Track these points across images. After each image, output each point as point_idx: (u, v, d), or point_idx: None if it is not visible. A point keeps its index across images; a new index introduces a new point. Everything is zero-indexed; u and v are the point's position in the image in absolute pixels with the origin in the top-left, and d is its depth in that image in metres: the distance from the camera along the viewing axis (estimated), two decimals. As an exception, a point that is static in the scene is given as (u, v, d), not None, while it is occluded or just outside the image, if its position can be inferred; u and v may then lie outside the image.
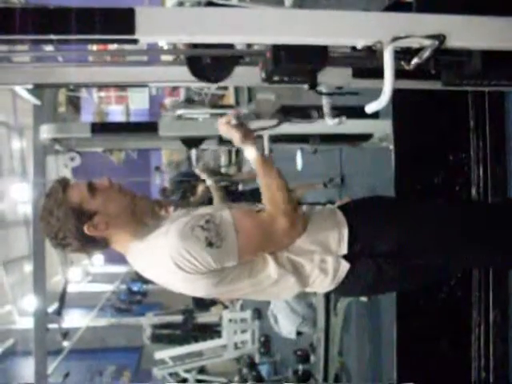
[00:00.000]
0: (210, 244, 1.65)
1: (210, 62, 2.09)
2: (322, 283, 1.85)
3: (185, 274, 1.68)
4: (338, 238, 1.82)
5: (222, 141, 4.28)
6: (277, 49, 1.86)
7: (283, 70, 1.94)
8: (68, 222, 1.72)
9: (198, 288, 1.77)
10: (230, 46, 2.11)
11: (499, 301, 2.85)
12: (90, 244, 1.79)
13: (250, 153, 1.87)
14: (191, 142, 4.44)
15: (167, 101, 15.04)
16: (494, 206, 2.66)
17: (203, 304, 12.14)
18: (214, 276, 1.71)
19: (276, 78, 2.01)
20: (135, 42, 1.56)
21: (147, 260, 1.78)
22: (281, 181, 1.82)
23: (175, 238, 1.66)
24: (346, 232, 1.83)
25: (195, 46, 2.06)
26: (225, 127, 1.93)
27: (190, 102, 12.56)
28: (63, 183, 1.78)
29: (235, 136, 1.90)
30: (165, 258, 1.67)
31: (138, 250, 1.78)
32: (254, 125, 2.00)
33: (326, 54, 1.90)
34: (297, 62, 1.87)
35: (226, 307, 11.12)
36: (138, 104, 21.45)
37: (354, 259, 1.83)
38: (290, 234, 1.78)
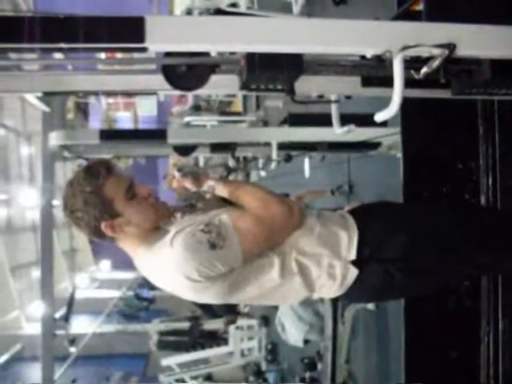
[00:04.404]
0: (213, 246, 1.64)
1: (185, 71, 2.07)
2: (329, 289, 1.84)
3: (194, 283, 1.67)
4: (348, 243, 1.81)
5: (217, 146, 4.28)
6: (251, 57, 1.85)
7: (258, 77, 1.93)
8: (91, 209, 1.70)
9: (207, 295, 1.75)
10: (206, 55, 2.08)
11: (509, 309, 2.83)
12: (98, 236, 1.78)
13: (213, 186, 1.91)
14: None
15: (175, 109, 15.12)
16: (504, 212, 2.65)
17: (212, 311, 12.08)
18: (223, 280, 1.69)
19: (253, 86, 2.01)
20: (144, 50, 1.57)
21: (154, 268, 1.78)
22: (252, 185, 1.86)
23: (181, 249, 1.65)
24: (355, 237, 1.82)
25: (170, 54, 2.03)
26: (176, 183, 1.97)
27: (197, 109, 12.59)
28: (107, 170, 1.74)
29: (188, 184, 1.95)
30: (172, 269, 1.67)
31: (146, 257, 1.78)
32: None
33: (301, 61, 1.88)
34: (271, 70, 1.87)
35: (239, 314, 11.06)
36: (146, 111, 21.56)
37: (363, 265, 1.81)
38: (289, 216, 1.77)
